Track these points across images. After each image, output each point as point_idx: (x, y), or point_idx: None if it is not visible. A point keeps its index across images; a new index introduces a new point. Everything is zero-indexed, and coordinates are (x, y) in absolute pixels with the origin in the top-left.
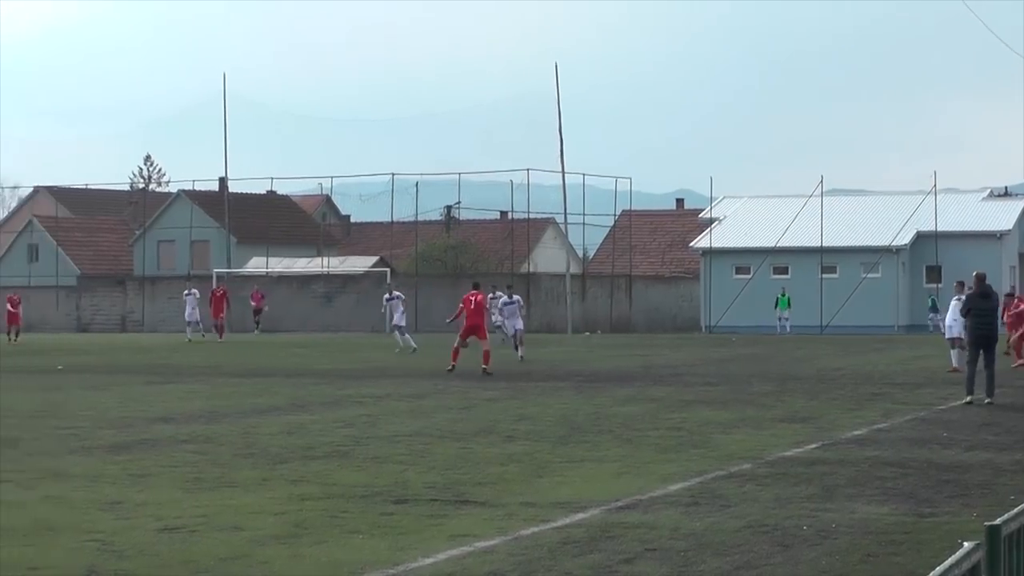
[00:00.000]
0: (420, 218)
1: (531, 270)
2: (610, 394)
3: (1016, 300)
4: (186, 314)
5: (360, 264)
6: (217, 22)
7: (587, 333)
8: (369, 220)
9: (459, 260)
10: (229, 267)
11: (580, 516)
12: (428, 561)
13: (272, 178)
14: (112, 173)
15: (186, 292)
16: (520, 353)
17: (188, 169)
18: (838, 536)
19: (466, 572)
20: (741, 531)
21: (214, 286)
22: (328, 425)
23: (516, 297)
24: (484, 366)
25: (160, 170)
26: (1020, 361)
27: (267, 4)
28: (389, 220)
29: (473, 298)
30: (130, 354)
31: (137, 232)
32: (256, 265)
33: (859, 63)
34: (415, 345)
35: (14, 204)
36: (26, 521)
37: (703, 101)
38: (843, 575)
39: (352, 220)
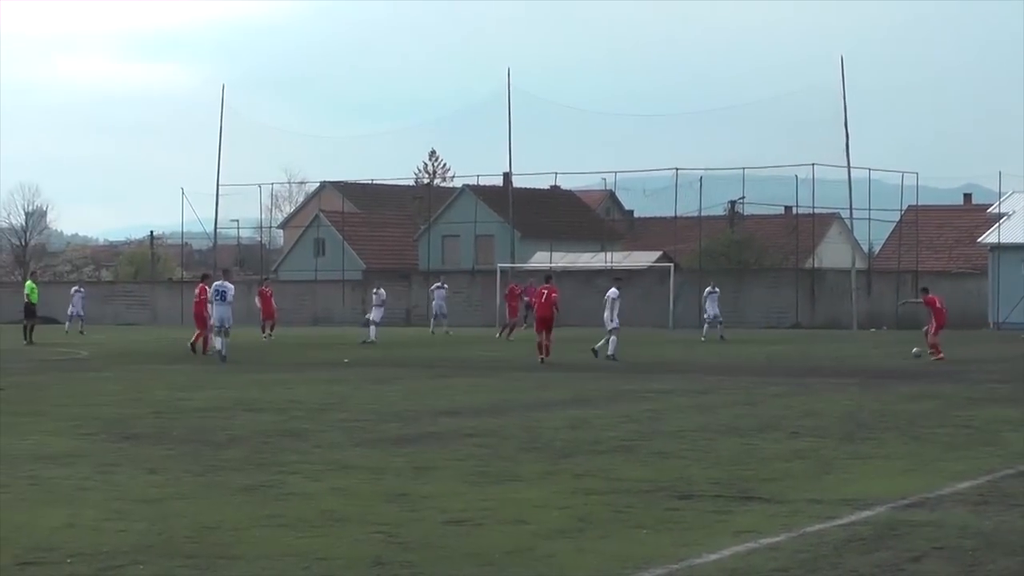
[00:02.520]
0: (704, 213)
1: (815, 265)
2: (896, 391)
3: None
4: (433, 307)
5: (644, 259)
6: (501, 17)
7: (872, 329)
8: (652, 215)
9: (743, 255)
10: (513, 262)
11: (866, 513)
12: (712, 557)
13: (556, 173)
14: (397, 168)
15: (435, 286)
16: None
17: (472, 164)
18: None
19: (751, 568)
20: None
21: (498, 281)
22: (612, 420)
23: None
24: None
25: (445, 165)
26: None
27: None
28: (672, 215)
29: (546, 291)
30: (416, 348)
31: (422, 227)
32: (540, 260)
33: None
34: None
35: (301, 199)
36: (314, 512)
37: (992, 94)
38: None
39: (635, 215)
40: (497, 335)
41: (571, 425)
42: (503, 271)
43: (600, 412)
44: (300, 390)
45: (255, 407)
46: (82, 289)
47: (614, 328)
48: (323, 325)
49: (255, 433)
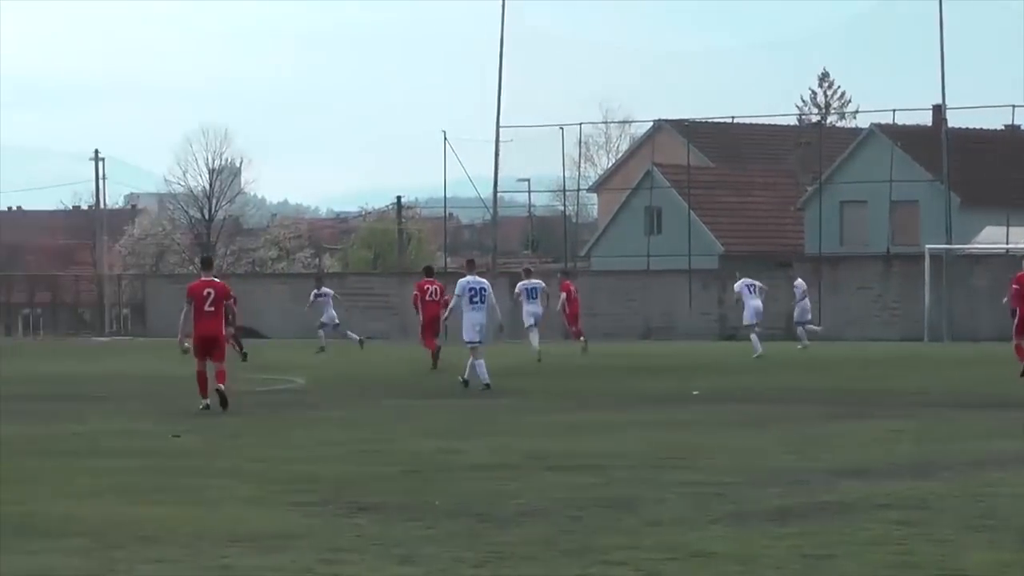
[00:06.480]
0: None
1: None
2: None
3: None
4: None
5: None
6: None
7: None
8: None
9: None
10: (949, 240)
11: None
12: None
13: (1012, 106)
14: (762, 98)
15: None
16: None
17: (875, 93)
18: None
19: None
20: None
21: (927, 270)
22: None
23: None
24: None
25: (842, 95)
26: None
27: None
28: None
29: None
30: (798, 372)
31: (808, 189)
32: (990, 238)
33: None
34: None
35: (624, 147)
36: None
37: None
38: None
39: None
40: None
41: None
42: (934, 255)
43: None
44: (627, 436)
45: (555, 464)
46: (327, 292)
47: None
48: (659, 338)
49: (559, 503)
